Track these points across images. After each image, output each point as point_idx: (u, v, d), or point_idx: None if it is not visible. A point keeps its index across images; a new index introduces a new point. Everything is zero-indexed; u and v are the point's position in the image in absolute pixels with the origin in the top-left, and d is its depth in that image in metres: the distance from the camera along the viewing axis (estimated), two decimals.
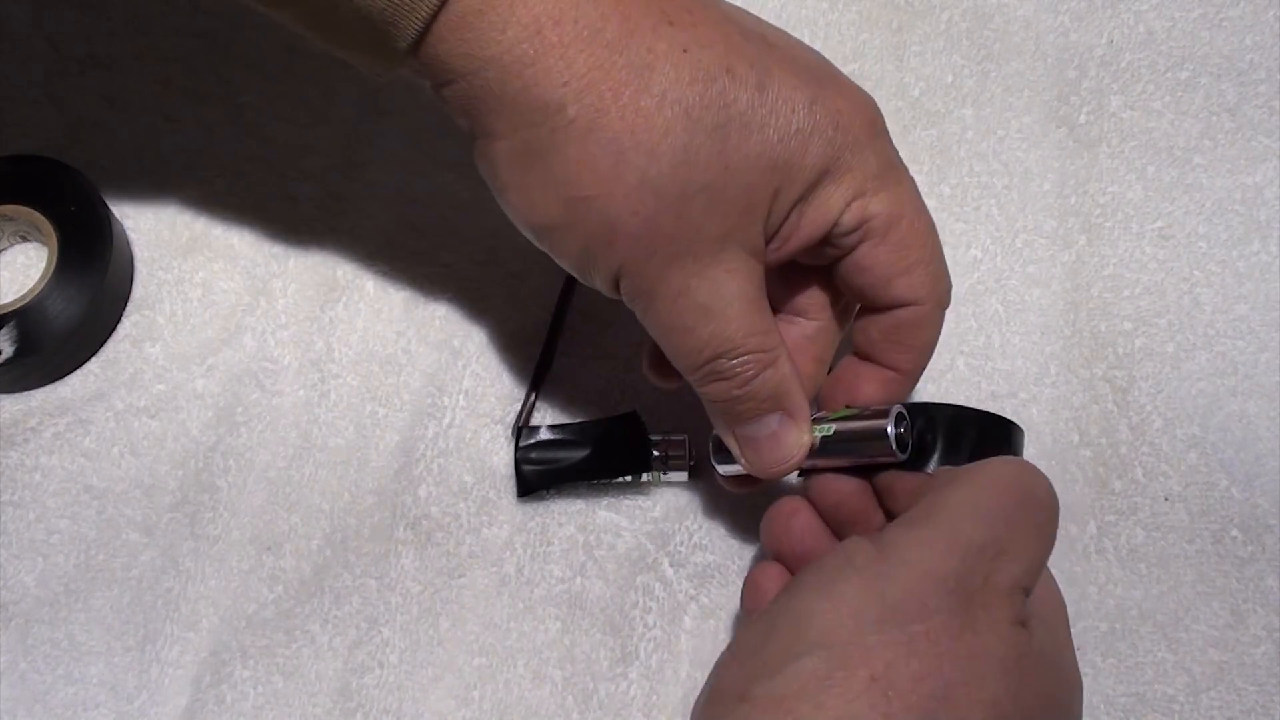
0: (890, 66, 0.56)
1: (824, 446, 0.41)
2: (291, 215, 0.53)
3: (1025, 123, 0.55)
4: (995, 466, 0.37)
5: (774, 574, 0.40)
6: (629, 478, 0.48)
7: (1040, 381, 0.51)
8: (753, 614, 0.39)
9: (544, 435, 0.48)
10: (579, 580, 0.48)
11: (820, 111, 0.36)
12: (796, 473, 0.42)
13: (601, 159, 0.35)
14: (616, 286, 0.38)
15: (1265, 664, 0.47)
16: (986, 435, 0.40)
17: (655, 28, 0.35)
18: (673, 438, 0.48)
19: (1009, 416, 0.45)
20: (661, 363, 0.42)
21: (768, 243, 0.38)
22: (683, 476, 0.48)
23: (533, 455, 0.48)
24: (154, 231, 0.53)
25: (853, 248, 0.39)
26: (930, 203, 0.53)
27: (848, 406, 0.42)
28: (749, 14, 0.38)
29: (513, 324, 0.52)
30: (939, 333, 0.41)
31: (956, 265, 0.52)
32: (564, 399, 0.51)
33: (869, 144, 0.37)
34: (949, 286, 0.41)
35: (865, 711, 0.31)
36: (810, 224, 0.38)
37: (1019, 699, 0.32)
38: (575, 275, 0.39)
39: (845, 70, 0.55)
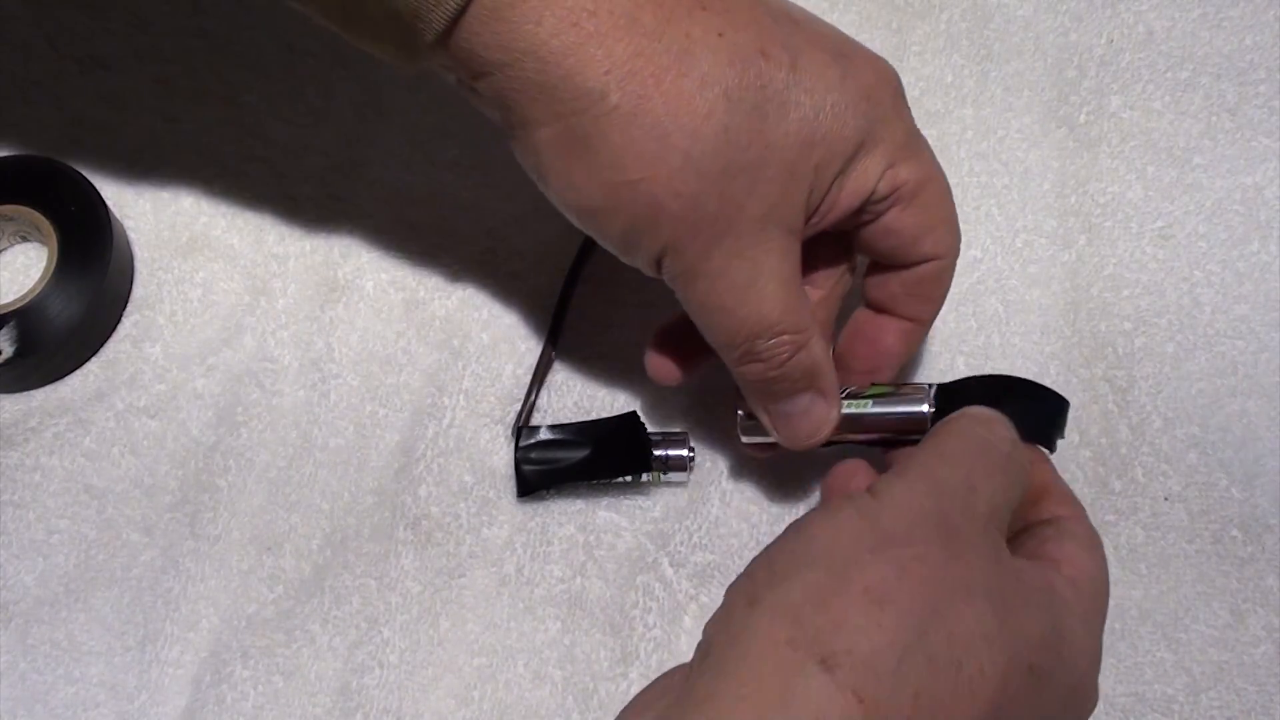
0: None
1: (858, 421, 0.43)
2: (291, 215, 0.53)
3: (1025, 123, 0.55)
4: (957, 419, 0.39)
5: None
6: (629, 478, 0.48)
7: (1040, 380, 0.51)
8: None
9: (544, 435, 0.48)
10: (579, 580, 0.48)
11: (851, 86, 0.37)
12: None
13: (646, 143, 0.36)
14: (659, 266, 0.39)
15: (1265, 664, 0.47)
16: (1018, 401, 0.42)
17: (690, 13, 0.36)
18: (673, 438, 0.48)
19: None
20: (662, 361, 0.44)
21: (808, 218, 0.39)
22: (683, 477, 0.48)
23: (533, 455, 0.48)
24: (154, 231, 0.53)
25: (883, 213, 0.41)
26: None
27: (875, 384, 0.44)
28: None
29: (512, 324, 0.52)
30: (950, 278, 0.44)
31: (957, 265, 0.53)
32: (564, 399, 0.51)
33: (896, 114, 0.39)
34: (960, 236, 0.43)
35: (860, 618, 0.32)
36: (849, 195, 0.39)
37: (1010, 630, 0.34)
38: (618, 255, 0.40)
39: None
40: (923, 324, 0.44)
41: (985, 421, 0.39)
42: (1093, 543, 0.39)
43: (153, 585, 0.48)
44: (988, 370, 0.51)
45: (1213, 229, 0.53)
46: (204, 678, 0.46)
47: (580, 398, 0.51)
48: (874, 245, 0.42)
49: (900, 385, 0.44)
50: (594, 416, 0.50)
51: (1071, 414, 0.50)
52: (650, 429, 0.49)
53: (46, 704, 0.46)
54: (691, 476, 0.49)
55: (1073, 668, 0.36)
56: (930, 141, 0.54)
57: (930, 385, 0.42)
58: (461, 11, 0.35)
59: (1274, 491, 0.49)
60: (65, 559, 0.48)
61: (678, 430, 0.49)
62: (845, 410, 0.43)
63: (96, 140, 0.54)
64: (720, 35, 0.36)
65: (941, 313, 0.51)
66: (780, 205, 0.38)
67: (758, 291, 0.38)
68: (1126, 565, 0.48)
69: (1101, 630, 0.38)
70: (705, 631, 0.36)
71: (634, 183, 0.37)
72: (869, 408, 0.43)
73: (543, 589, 0.48)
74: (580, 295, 0.51)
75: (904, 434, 0.42)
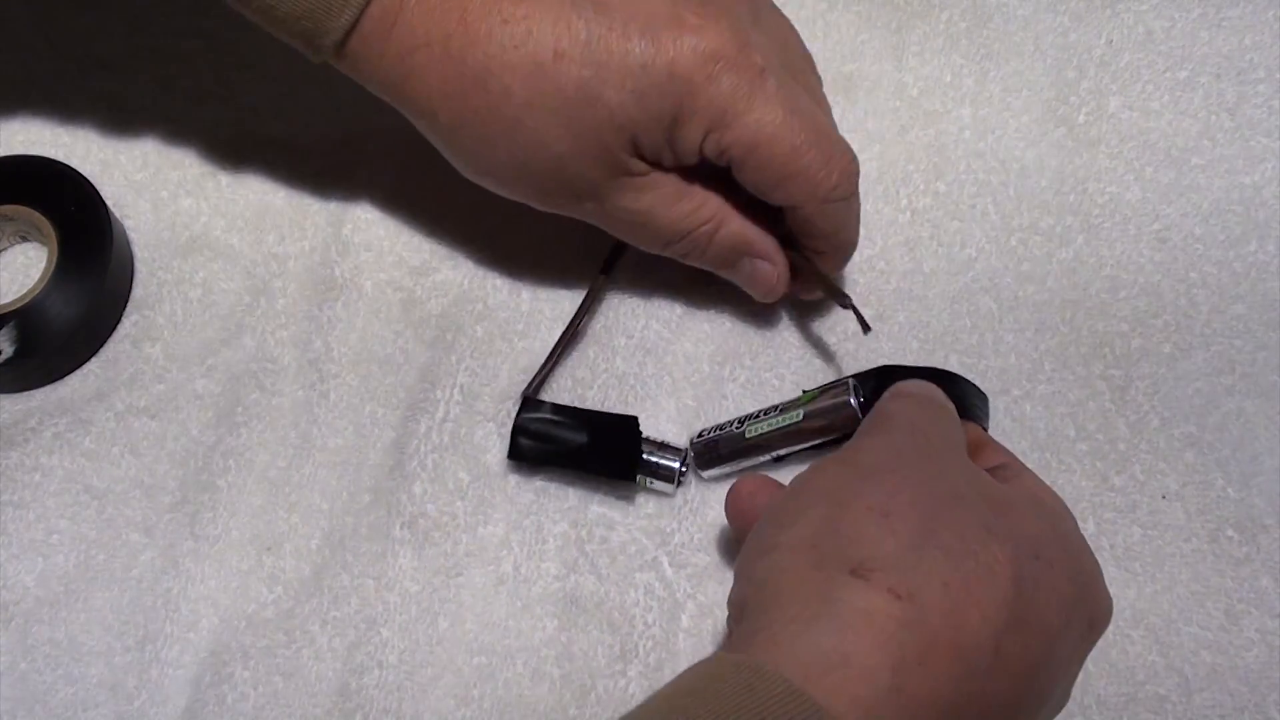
0: (889, 66, 0.56)
1: (795, 432, 0.48)
2: (291, 215, 0.53)
3: (1024, 122, 0.55)
4: (890, 392, 0.44)
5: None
6: (614, 479, 0.49)
7: (1034, 378, 0.51)
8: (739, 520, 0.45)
9: (546, 413, 0.48)
10: (574, 578, 0.48)
11: (653, 69, 0.41)
12: (773, 458, 0.48)
13: (479, 149, 0.44)
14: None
15: (1258, 666, 0.47)
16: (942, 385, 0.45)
17: (489, 32, 0.41)
18: (670, 449, 0.48)
19: (1003, 412, 0.50)
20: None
21: (656, 163, 0.44)
22: (669, 488, 0.48)
23: (531, 428, 0.48)
24: (154, 231, 0.53)
25: (729, 166, 0.43)
26: (925, 200, 0.54)
27: (804, 391, 0.48)
28: None
29: (510, 324, 0.52)
30: (844, 220, 0.46)
31: (951, 263, 0.53)
32: (578, 380, 0.51)
33: (706, 86, 0.41)
34: (834, 184, 0.44)
35: (873, 530, 0.35)
36: (682, 156, 0.43)
37: (1010, 524, 0.36)
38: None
39: (844, 70, 0.55)
40: (828, 255, 0.47)
41: (915, 385, 0.44)
42: (1042, 482, 0.42)
43: (153, 585, 0.48)
44: (980, 368, 0.51)
45: (1210, 230, 0.53)
46: (204, 678, 0.47)
47: (595, 384, 0.51)
48: (745, 186, 0.45)
49: (824, 388, 0.48)
50: (604, 407, 0.50)
51: (1068, 409, 0.50)
52: (654, 435, 0.49)
53: (46, 704, 0.46)
54: (678, 488, 0.49)
55: (1079, 561, 0.38)
56: (927, 141, 0.55)
57: (850, 379, 0.47)
58: (344, 40, 0.42)
59: (1270, 491, 0.49)
60: (65, 559, 0.48)
61: (679, 446, 0.49)
62: (780, 425, 0.48)
63: (96, 140, 0.54)
64: (516, 48, 0.41)
65: (934, 310, 0.52)
66: (614, 171, 0.43)
67: (646, 217, 0.45)
68: (1122, 564, 0.48)
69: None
70: (731, 603, 0.39)
71: (485, 173, 0.45)
72: (799, 418, 0.47)
73: (539, 587, 0.48)
74: (617, 285, 0.52)
75: (842, 430, 0.47)
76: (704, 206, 0.45)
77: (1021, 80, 0.56)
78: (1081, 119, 0.55)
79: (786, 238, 0.47)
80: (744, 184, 0.44)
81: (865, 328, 0.48)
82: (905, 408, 0.42)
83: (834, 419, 0.47)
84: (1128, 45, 0.56)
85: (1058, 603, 0.36)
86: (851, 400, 0.46)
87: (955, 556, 0.34)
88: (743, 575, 0.38)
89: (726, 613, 0.47)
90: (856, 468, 0.38)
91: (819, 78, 0.49)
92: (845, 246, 0.47)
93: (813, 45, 0.55)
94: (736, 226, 0.46)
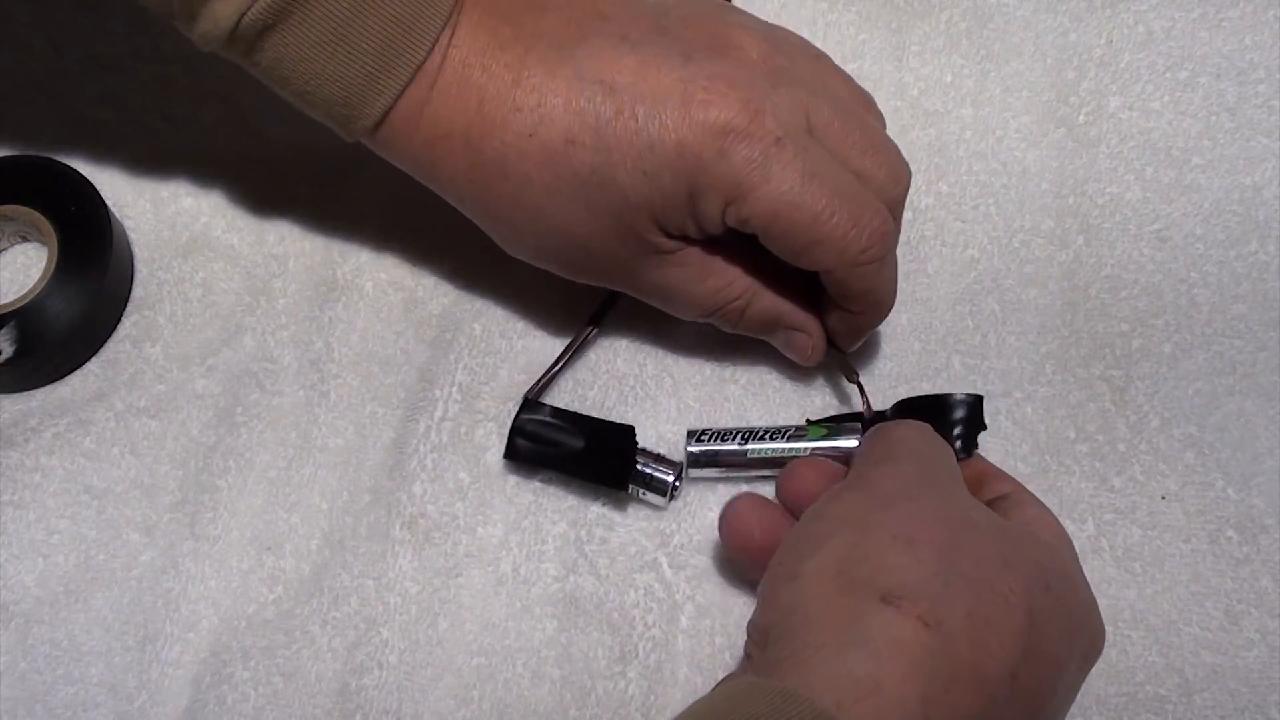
0: (890, 66, 0.56)
1: None
2: (291, 215, 0.53)
3: (1024, 122, 0.55)
4: (879, 428, 0.44)
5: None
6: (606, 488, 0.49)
7: (1035, 380, 0.51)
8: (736, 547, 0.46)
9: (547, 415, 0.48)
10: (574, 579, 0.48)
11: (662, 148, 0.40)
12: (769, 476, 0.48)
13: (504, 235, 0.45)
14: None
15: (1259, 666, 0.47)
16: (942, 416, 0.47)
17: (505, 121, 0.41)
18: (667, 462, 0.48)
19: (1002, 414, 0.50)
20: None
21: (684, 237, 0.44)
22: (661, 501, 0.48)
23: (529, 429, 0.48)
24: (154, 231, 0.53)
25: (754, 235, 0.43)
26: (927, 200, 0.54)
27: (809, 421, 0.49)
28: (607, 49, 0.41)
29: (511, 324, 0.52)
30: (876, 280, 0.44)
31: (954, 264, 0.53)
32: (578, 380, 0.51)
33: (717, 161, 0.40)
34: (863, 248, 0.42)
35: (898, 558, 0.36)
36: (707, 228, 0.43)
37: (1020, 556, 0.37)
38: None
39: (844, 70, 0.55)
40: (861, 316, 0.46)
41: (904, 422, 0.44)
42: (1046, 508, 0.42)
43: (153, 585, 0.48)
44: (983, 369, 0.51)
45: (1210, 230, 0.53)
46: (204, 678, 0.47)
47: (600, 389, 0.51)
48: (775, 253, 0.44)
49: (835, 422, 0.49)
50: (606, 415, 0.50)
51: (1068, 411, 0.50)
52: (653, 447, 0.49)
53: (46, 704, 0.46)
54: (671, 501, 0.49)
55: (1081, 594, 0.39)
56: (928, 141, 0.55)
57: (863, 418, 0.48)
58: (376, 128, 0.43)
59: (1270, 492, 0.49)
60: (65, 559, 0.48)
61: (675, 459, 0.49)
62: (784, 452, 0.48)
63: (96, 140, 0.54)
64: (531, 136, 0.41)
65: (937, 312, 0.52)
66: (642, 250, 0.44)
67: (676, 294, 0.46)
68: (1122, 564, 0.48)
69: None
70: (754, 627, 0.39)
71: (520, 254, 0.46)
72: (806, 453, 0.48)
73: (539, 588, 0.48)
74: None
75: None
76: (734, 284, 0.45)
77: (1021, 80, 0.56)
78: (1081, 119, 0.55)
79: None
80: (773, 251, 0.43)
81: (866, 409, 0.48)
82: (908, 436, 0.42)
83: (845, 459, 0.47)
84: (1128, 45, 0.56)
85: (1064, 634, 0.37)
86: (856, 442, 0.47)
87: (976, 586, 0.35)
88: (766, 601, 0.39)
89: (726, 613, 0.48)
90: (874, 496, 0.39)
91: (879, 114, 0.47)
92: (881, 307, 0.47)
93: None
94: (768, 302, 0.46)
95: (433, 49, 0.41)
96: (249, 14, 0.39)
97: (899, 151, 0.45)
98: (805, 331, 0.47)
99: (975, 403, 0.46)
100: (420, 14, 0.40)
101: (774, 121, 0.41)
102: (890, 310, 0.47)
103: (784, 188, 0.41)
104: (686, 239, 0.44)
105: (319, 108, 0.42)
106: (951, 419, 0.46)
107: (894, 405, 0.48)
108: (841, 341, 0.48)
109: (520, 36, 0.42)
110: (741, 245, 0.45)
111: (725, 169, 0.40)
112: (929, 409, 0.47)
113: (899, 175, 0.44)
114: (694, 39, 0.42)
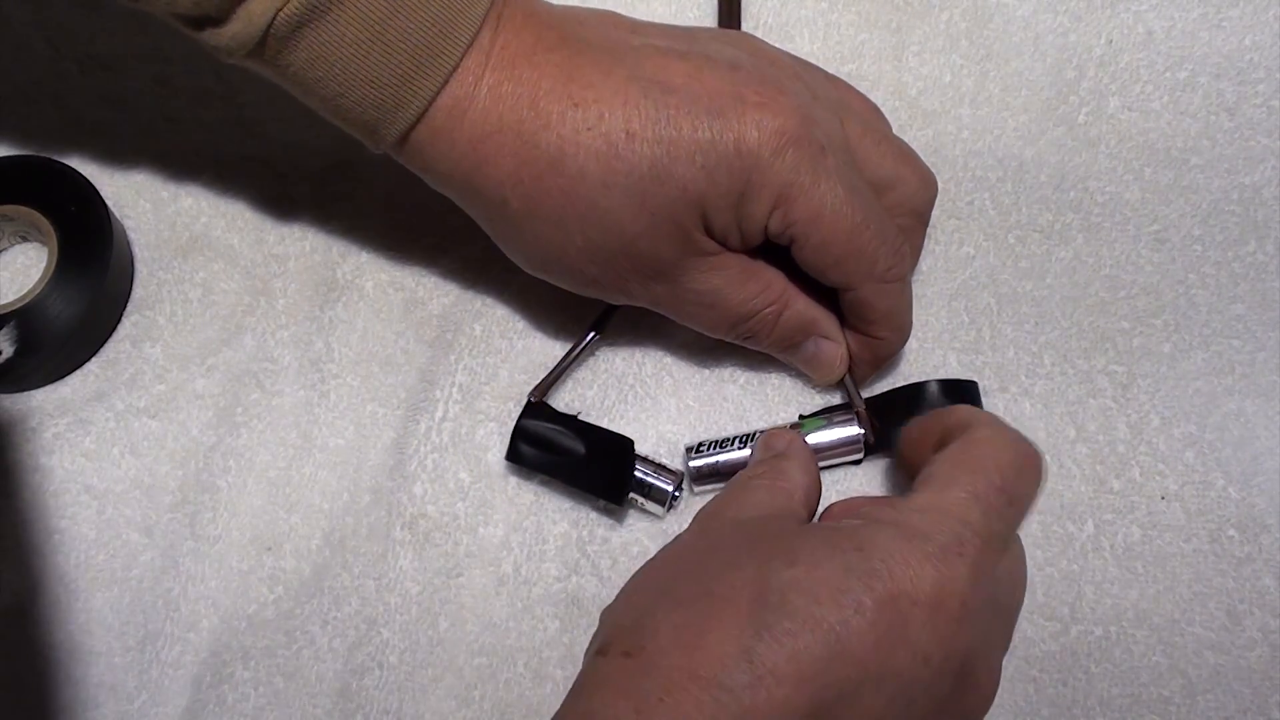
0: (889, 66, 0.56)
1: None
2: (291, 215, 0.53)
3: (1023, 121, 0.55)
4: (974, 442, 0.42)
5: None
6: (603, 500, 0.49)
7: (1033, 374, 0.51)
8: None
9: (549, 420, 0.48)
10: (575, 579, 0.48)
11: (721, 144, 0.41)
12: None
13: (550, 233, 0.43)
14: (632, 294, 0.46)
15: (1261, 666, 0.47)
16: (946, 399, 0.49)
17: (562, 115, 0.41)
18: (668, 472, 0.48)
19: (1002, 410, 0.51)
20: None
21: (725, 244, 0.44)
22: (660, 510, 0.48)
23: (531, 432, 0.48)
24: (154, 231, 0.53)
25: (791, 244, 0.44)
26: None
27: (802, 416, 0.49)
28: (654, 55, 0.43)
29: (510, 324, 0.52)
30: (896, 302, 0.46)
31: (948, 261, 0.53)
32: (578, 380, 0.51)
33: (773, 161, 0.41)
34: (890, 265, 0.44)
35: (613, 614, 0.39)
36: (747, 233, 0.44)
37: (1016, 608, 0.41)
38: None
39: (844, 70, 0.55)
40: (881, 339, 0.47)
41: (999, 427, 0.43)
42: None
43: (153, 585, 0.48)
44: (977, 365, 0.51)
45: (1209, 230, 0.53)
46: (204, 678, 0.47)
47: (603, 393, 0.51)
48: (803, 267, 0.45)
49: (828, 414, 0.49)
50: (610, 418, 0.50)
51: (1067, 408, 0.50)
52: (653, 455, 0.49)
53: (46, 704, 0.46)
54: (669, 511, 0.49)
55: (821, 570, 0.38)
56: (926, 140, 0.55)
57: (855, 405, 0.49)
58: (405, 137, 0.42)
59: (1271, 491, 0.49)
60: (65, 559, 0.48)
61: (678, 469, 0.49)
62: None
63: (96, 140, 0.54)
64: (589, 129, 0.41)
65: (932, 308, 0.52)
66: (686, 250, 0.43)
67: (714, 298, 0.45)
68: (1123, 564, 0.48)
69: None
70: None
71: (555, 260, 0.45)
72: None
73: (540, 588, 0.48)
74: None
75: (846, 455, 0.49)
76: (771, 287, 0.46)
77: (1021, 80, 0.56)
78: (1081, 119, 0.55)
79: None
80: (802, 264, 0.44)
81: (868, 441, 0.49)
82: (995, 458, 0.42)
83: (842, 450, 0.49)
84: (1128, 45, 0.56)
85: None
86: (860, 434, 0.48)
87: (683, 603, 0.37)
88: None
89: None
90: (923, 539, 0.39)
91: (888, 124, 0.49)
92: (902, 331, 0.48)
93: (813, 45, 0.55)
94: (802, 306, 0.47)
95: (470, 48, 0.41)
96: (284, 10, 0.39)
97: (923, 161, 0.47)
98: (835, 339, 0.48)
99: (970, 388, 0.48)
100: (457, 15, 0.41)
101: (820, 131, 0.42)
102: (909, 337, 0.48)
103: (829, 197, 0.42)
104: (726, 246, 0.44)
105: (351, 112, 0.42)
106: (929, 408, 0.47)
107: (865, 400, 0.49)
108: (859, 368, 0.49)
109: (566, 40, 0.42)
110: (773, 260, 0.46)
111: (780, 170, 0.41)
112: (902, 402, 0.49)
113: (930, 181, 0.47)
114: (734, 54, 0.43)
